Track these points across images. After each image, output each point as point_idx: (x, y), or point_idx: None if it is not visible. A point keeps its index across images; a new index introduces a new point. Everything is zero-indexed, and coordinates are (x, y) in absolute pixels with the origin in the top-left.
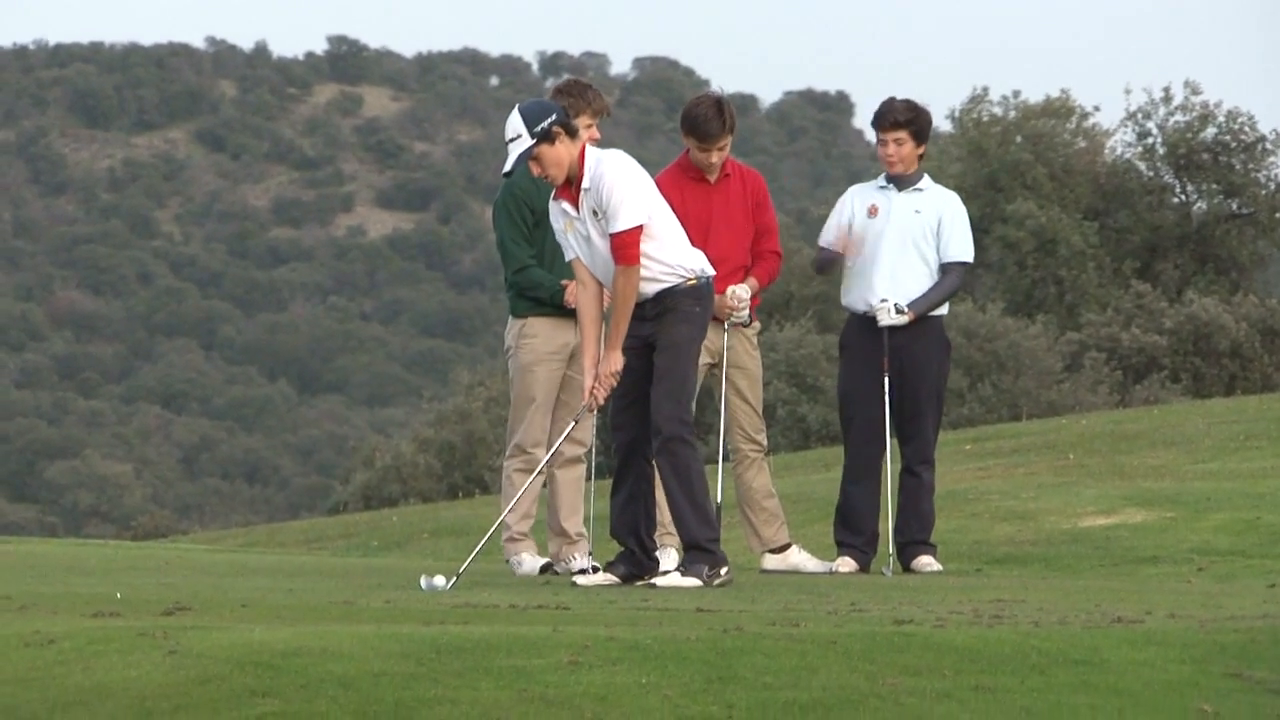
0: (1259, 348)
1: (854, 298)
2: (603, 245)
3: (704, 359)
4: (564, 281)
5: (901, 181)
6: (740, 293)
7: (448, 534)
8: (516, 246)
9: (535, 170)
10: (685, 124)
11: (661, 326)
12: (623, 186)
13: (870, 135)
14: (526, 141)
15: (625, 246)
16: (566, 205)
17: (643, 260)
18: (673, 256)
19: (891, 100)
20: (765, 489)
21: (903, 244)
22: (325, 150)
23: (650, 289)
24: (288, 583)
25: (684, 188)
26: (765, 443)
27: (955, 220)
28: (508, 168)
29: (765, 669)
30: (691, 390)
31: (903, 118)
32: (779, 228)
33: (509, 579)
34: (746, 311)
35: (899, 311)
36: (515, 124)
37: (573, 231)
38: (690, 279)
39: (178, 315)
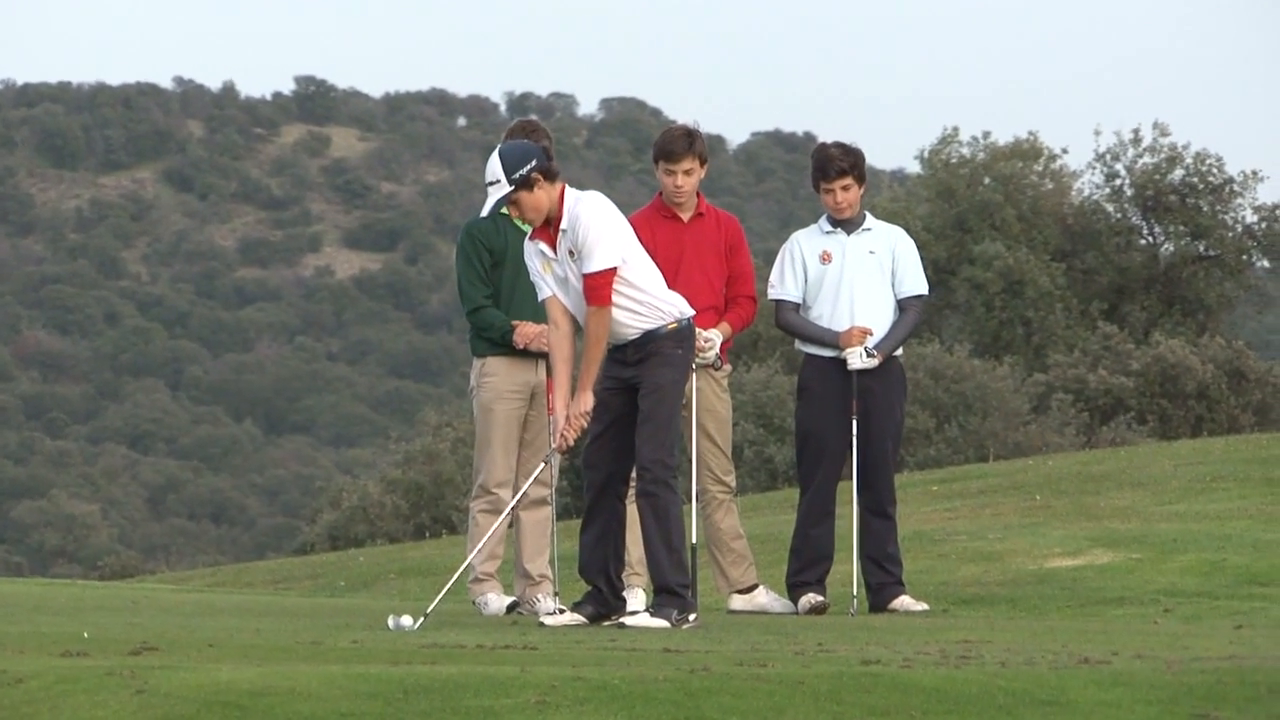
0: (1225, 389)
1: (817, 343)
2: (579, 286)
3: None
4: (515, 322)
5: (849, 224)
6: (709, 335)
7: (415, 574)
8: (472, 287)
9: (514, 214)
10: (655, 146)
11: (645, 370)
12: (598, 228)
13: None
14: (505, 188)
15: (597, 288)
16: (544, 246)
17: (622, 302)
18: (652, 299)
19: (826, 149)
20: (733, 530)
21: (864, 287)
22: (292, 190)
23: (630, 332)
24: (255, 623)
25: (656, 226)
26: (734, 484)
27: (907, 255)
28: (485, 212)
29: (733, 709)
30: (676, 433)
31: (846, 164)
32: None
33: (476, 619)
34: (714, 353)
35: (869, 355)
36: (494, 169)
37: (549, 273)
38: (671, 322)
39: (145, 355)
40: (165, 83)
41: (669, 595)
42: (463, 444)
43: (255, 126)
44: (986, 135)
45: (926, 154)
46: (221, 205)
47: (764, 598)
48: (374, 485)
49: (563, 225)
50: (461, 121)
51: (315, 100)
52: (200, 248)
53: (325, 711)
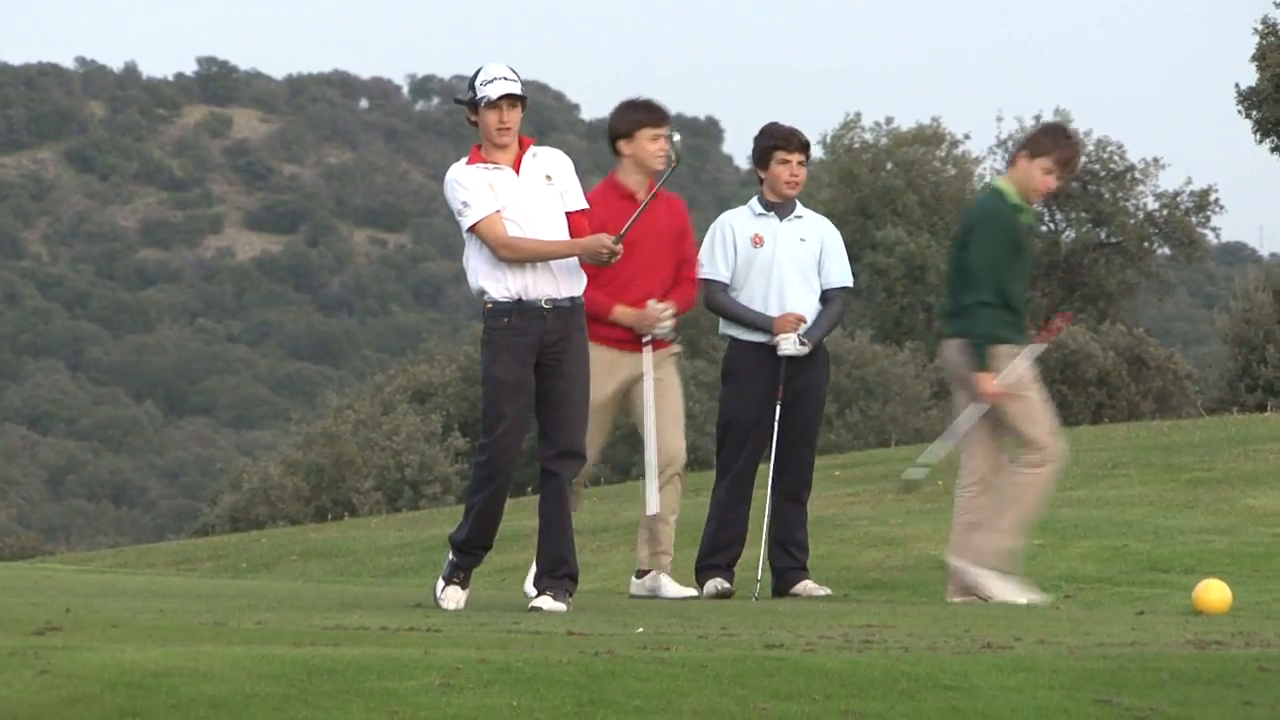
0: (1126, 376)
1: (743, 328)
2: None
3: (623, 375)
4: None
5: (781, 209)
6: (664, 305)
7: (316, 556)
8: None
9: (504, 124)
10: (630, 110)
11: (570, 349)
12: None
13: (741, 161)
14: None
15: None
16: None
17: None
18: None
19: (781, 125)
20: (671, 506)
21: (793, 274)
22: (194, 171)
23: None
24: (158, 603)
25: (610, 205)
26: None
27: (835, 246)
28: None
29: (636, 693)
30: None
31: (807, 139)
32: None
33: (380, 601)
34: (669, 325)
35: (801, 342)
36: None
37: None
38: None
39: (44, 335)
40: (67, 63)
41: (571, 580)
42: (364, 426)
43: (157, 107)
44: (889, 121)
45: (829, 139)
46: (123, 186)
47: (660, 581)
48: (275, 467)
49: (532, 150)
50: (364, 104)
51: (217, 81)
52: (101, 228)
53: (228, 692)
